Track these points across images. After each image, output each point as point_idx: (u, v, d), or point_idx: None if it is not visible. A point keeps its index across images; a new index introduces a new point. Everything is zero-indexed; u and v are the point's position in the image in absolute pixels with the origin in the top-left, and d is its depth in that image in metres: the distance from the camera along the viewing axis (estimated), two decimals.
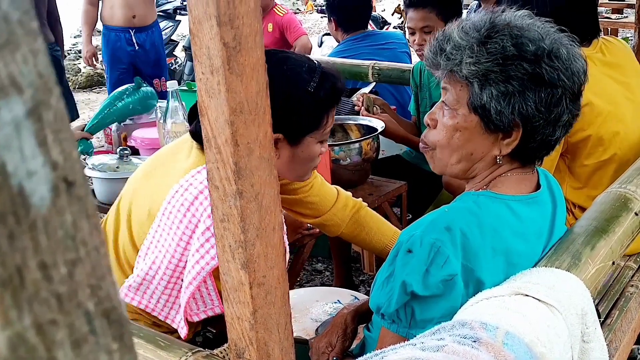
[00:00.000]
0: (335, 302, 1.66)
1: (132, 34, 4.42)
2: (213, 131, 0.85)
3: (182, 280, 1.46)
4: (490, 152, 1.16)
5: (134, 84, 2.61)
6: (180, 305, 1.49)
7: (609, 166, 2.01)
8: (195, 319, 1.48)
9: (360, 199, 1.93)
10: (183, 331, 1.48)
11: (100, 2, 4.46)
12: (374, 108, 2.54)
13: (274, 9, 5.01)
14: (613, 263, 1.15)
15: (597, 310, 1.27)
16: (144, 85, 2.61)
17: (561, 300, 0.95)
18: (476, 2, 4.82)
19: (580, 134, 1.98)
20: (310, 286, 3.29)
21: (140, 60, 4.51)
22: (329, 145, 2.21)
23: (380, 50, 3.25)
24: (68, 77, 6.18)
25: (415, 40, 2.50)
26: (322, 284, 3.30)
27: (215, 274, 1.42)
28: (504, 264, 1.10)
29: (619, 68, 2.07)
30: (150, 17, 4.47)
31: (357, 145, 2.24)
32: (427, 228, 1.09)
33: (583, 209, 2.06)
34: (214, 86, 0.83)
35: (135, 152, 2.55)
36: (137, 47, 4.43)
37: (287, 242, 1.85)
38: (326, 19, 6.34)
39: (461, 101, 1.15)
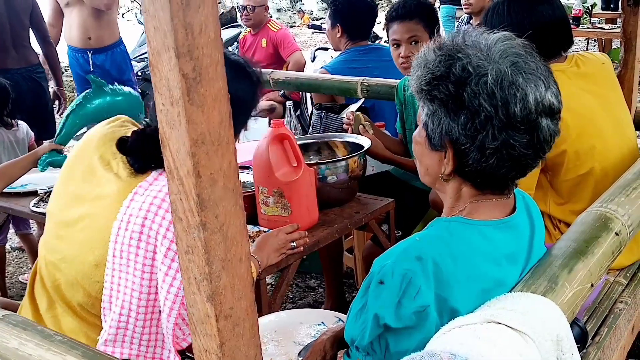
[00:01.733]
0: (319, 325, 1.64)
1: (90, 55, 4.45)
2: (175, 162, 0.84)
3: (158, 313, 1.43)
4: (439, 169, 1.17)
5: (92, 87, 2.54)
6: (164, 341, 1.45)
7: (588, 180, 2.00)
8: (184, 344, 1.44)
9: None
10: None
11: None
12: (360, 127, 2.53)
13: (268, 24, 5.03)
14: (592, 285, 1.13)
15: (584, 330, 1.25)
16: (108, 86, 2.54)
17: (535, 327, 0.94)
18: (467, 15, 4.83)
19: (556, 150, 1.97)
20: (303, 303, 3.28)
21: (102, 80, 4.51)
22: (315, 164, 2.20)
23: (387, 65, 3.23)
24: (67, 96, 6.12)
25: (400, 53, 2.49)
26: (315, 301, 3.28)
27: None
28: (478, 291, 1.08)
29: (594, 81, 2.08)
30: (108, 38, 4.49)
31: (343, 163, 2.23)
32: (399, 258, 1.08)
33: (568, 224, 2.05)
34: (174, 117, 0.82)
35: None
36: (92, 69, 4.44)
37: (272, 262, 1.84)
38: (318, 34, 6.36)
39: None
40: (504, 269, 1.13)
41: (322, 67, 3.43)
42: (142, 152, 1.48)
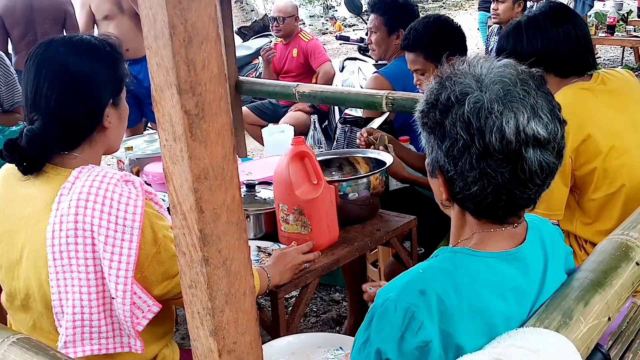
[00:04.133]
0: (337, 350, 1.63)
1: (126, 66, 4.52)
2: (178, 197, 0.84)
3: (110, 303, 1.44)
4: (440, 196, 1.19)
5: None
6: (121, 329, 1.47)
7: (617, 199, 1.96)
8: (140, 328, 1.46)
9: None
10: (139, 345, 1.47)
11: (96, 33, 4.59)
12: (381, 147, 2.50)
13: (299, 34, 5.06)
14: (609, 319, 1.10)
15: (607, 356, 1.22)
16: None
17: None
18: (497, 26, 4.79)
19: (586, 168, 1.94)
20: (326, 317, 3.26)
21: (135, 89, 4.63)
22: (336, 181, 2.20)
23: None
24: None
25: (414, 79, 2.59)
26: (339, 315, 3.26)
27: (136, 274, 1.42)
28: (483, 325, 1.06)
29: (621, 98, 2.04)
30: (144, 50, 4.56)
31: (365, 180, 2.22)
32: (402, 291, 1.07)
33: (594, 245, 2.00)
34: (177, 153, 0.82)
35: None
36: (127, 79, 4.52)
37: (284, 281, 1.83)
38: (346, 46, 6.35)
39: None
40: (510, 303, 1.10)
41: (376, 73, 3.34)
42: (23, 153, 1.48)
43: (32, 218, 1.49)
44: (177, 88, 0.78)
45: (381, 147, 2.50)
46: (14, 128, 2.62)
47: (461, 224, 1.20)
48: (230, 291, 0.87)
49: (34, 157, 1.49)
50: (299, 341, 1.67)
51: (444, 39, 2.49)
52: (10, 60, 4.35)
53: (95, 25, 4.61)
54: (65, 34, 4.26)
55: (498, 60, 1.14)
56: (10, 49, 4.56)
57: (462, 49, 2.54)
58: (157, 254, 1.47)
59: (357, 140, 2.57)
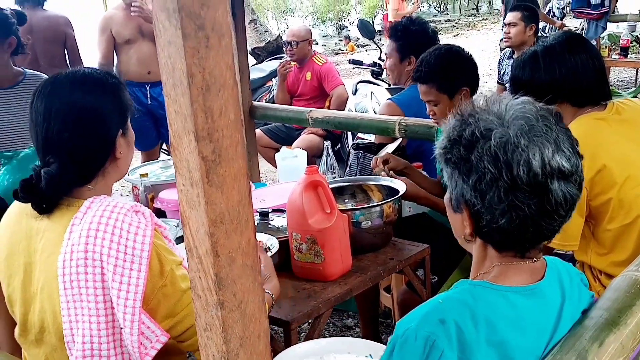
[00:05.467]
0: (367, 357, 1.64)
1: (148, 88, 4.70)
2: (194, 241, 0.85)
3: (119, 332, 1.45)
4: (462, 231, 1.20)
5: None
6: (132, 358, 1.47)
7: (632, 230, 1.95)
8: (148, 359, 1.46)
9: None
10: None
11: (115, 57, 4.71)
12: (391, 172, 2.51)
13: (313, 58, 5.09)
14: None
15: None
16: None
17: None
18: (509, 49, 4.80)
19: (601, 198, 1.94)
20: None
21: (155, 111, 4.75)
22: (349, 210, 2.20)
23: None
24: None
25: (427, 109, 2.58)
26: None
27: (144, 305, 1.43)
28: (500, 358, 1.08)
29: (637, 128, 2.04)
30: None
31: (378, 208, 2.22)
32: (422, 321, 1.10)
33: (609, 276, 2.00)
34: (193, 198, 0.83)
35: (161, 214, 2.58)
36: (149, 102, 4.68)
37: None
38: (359, 69, 6.37)
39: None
40: (528, 338, 1.12)
41: (389, 99, 3.36)
42: (38, 193, 1.51)
43: (45, 250, 1.51)
44: (194, 135, 0.80)
45: (392, 172, 2.51)
46: (26, 151, 2.63)
47: (482, 257, 1.22)
48: (245, 334, 0.87)
49: (52, 197, 1.52)
50: (328, 343, 1.68)
51: (455, 70, 2.49)
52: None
53: (115, 49, 4.70)
54: (66, 54, 4.51)
55: (515, 98, 1.17)
56: None
57: (474, 79, 2.55)
58: (163, 287, 1.47)
59: (372, 164, 2.57)
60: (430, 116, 2.57)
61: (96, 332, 1.44)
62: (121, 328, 1.44)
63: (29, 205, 1.54)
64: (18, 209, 1.60)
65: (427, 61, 2.51)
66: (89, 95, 1.53)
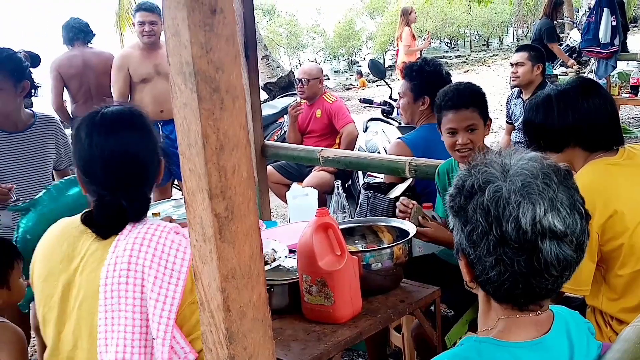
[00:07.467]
0: None
1: (160, 126, 4.79)
2: (206, 296, 0.87)
3: (152, 345, 1.51)
4: (465, 276, 1.22)
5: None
6: None
7: None
8: None
9: None
10: None
11: (129, 96, 4.87)
12: (419, 218, 2.47)
13: (324, 96, 5.14)
14: None
15: None
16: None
17: None
18: (517, 89, 4.83)
19: (613, 243, 1.93)
20: None
21: (167, 149, 4.75)
22: (359, 252, 2.21)
23: None
24: None
25: (457, 140, 2.47)
26: None
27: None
28: None
29: None
30: None
31: (388, 250, 2.23)
32: None
33: (620, 322, 1.98)
34: (206, 254, 0.85)
35: None
36: (161, 139, 4.71)
37: None
38: (371, 110, 6.43)
39: None
40: None
41: (399, 139, 3.37)
42: (108, 220, 1.63)
43: (87, 267, 1.60)
44: (208, 193, 0.82)
45: (421, 219, 2.46)
46: (40, 196, 2.64)
47: (487, 308, 1.23)
48: None
49: (119, 225, 1.63)
50: None
51: (480, 102, 2.52)
52: (66, 110, 5.30)
53: (130, 87, 4.82)
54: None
55: (527, 153, 1.18)
56: (65, 97, 5.36)
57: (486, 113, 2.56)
58: (191, 304, 1.56)
59: (402, 208, 2.49)
60: (460, 149, 2.47)
61: (130, 342, 1.52)
62: (153, 339, 1.51)
63: (71, 227, 1.66)
64: (59, 232, 1.69)
65: (461, 90, 2.51)
66: (139, 134, 1.69)
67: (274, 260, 2.18)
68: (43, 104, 4.45)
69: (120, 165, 1.62)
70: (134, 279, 1.52)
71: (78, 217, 1.68)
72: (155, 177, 1.72)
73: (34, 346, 3.39)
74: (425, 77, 3.37)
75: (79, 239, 1.64)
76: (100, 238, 1.62)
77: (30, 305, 2.98)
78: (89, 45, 5.38)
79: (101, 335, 1.53)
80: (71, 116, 5.49)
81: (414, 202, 2.50)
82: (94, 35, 5.53)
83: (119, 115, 1.69)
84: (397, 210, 2.52)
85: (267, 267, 2.15)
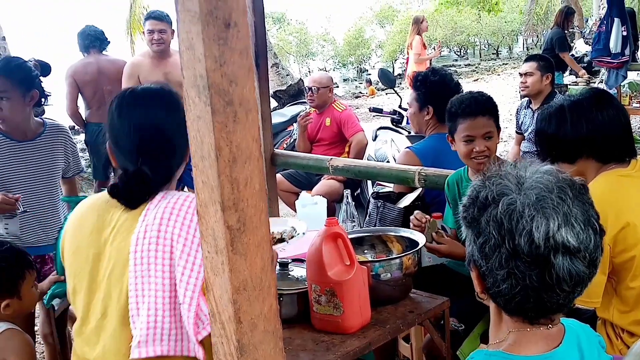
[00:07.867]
0: None
1: None
2: (218, 307, 0.87)
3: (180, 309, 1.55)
4: (477, 287, 1.21)
5: None
6: (188, 334, 1.56)
7: None
8: (200, 337, 1.56)
9: None
10: (201, 353, 1.56)
11: None
12: (434, 233, 2.46)
13: (333, 104, 5.15)
14: None
15: None
16: None
17: None
18: (527, 99, 4.82)
19: (624, 255, 1.92)
20: None
21: None
22: (368, 262, 2.21)
23: None
24: None
25: (474, 148, 2.46)
26: None
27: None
28: None
29: None
30: None
31: (397, 260, 2.22)
32: None
33: (631, 334, 1.97)
34: (218, 265, 0.85)
35: None
36: None
37: None
38: (380, 118, 6.44)
39: None
40: None
41: (407, 148, 3.38)
42: (133, 190, 1.67)
43: (117, 237, 1.64)
44: (220, 205, 0.83)
45: (434, 235, 2.45)
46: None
47: (498, 320, 1.23)
48: None
49: (144, 195, 1.67)
50: None
51: (494, 110, 2.53)
52: (80, 115, 5.50)
53: None
54: None
55: (543, 166, 1.18)
56: (79, 103, 5.58)
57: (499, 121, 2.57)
58: None
59: (416, 222, 2.48)
60: (476, 156, 2.46)
61: (160, 306, 1.56)
62: (180, 304, 1.55)
63: (100, 201, 1.71)
64: (88, 207, 1.75)
65: (477, 97, 2.51)
66: (169, 108, 1.72)
67: (292, 237, 2.21)
68: (57, 110, 4.51)
69: (146, 136, 1.67)
70: (163, 246, 1.57)
71: (105, 191, 1.74)
72: (183, 155, 1.74)
73: (42, 352, 3.40)
74: (429, 87, 3.37)
75: (108, 211, 1.69)
76: (129, 209, 1.67)
77: (39, 309, 3.00)
78: (104, 52, 5.59)
79: (132, 300, 1.58)
80: (85, 122, 5.60)
81: (428, 216, 2.49)
82: (109, 42, 5.71)
83: (149, 90, 1.80)
84: (411, 225, 2.51)
85: (284, 244, 2.20)
